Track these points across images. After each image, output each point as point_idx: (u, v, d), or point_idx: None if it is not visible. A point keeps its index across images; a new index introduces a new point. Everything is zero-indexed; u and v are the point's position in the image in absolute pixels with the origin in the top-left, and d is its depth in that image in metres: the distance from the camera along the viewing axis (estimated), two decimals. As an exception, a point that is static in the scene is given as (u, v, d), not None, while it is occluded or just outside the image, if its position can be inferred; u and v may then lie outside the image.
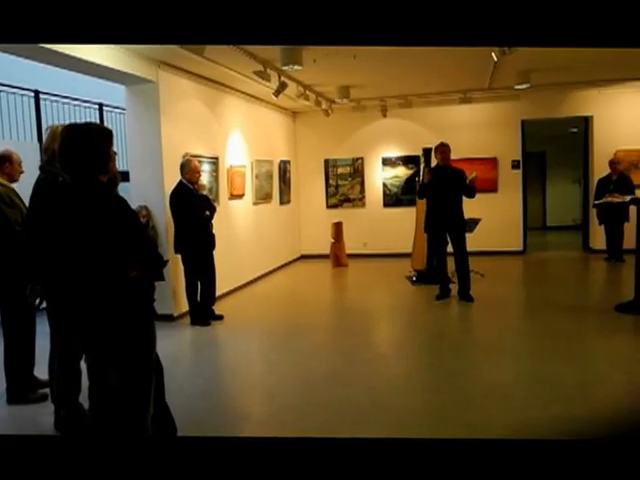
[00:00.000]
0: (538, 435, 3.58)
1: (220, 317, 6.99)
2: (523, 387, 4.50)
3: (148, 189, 6.90)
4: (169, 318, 6.92)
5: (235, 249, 8.68)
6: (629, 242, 6.99)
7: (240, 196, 9.02)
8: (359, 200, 11.87)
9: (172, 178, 6.74)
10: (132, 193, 6.87)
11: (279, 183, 10.85)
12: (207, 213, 6.70)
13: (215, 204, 7.36)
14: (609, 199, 6.91)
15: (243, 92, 9.08)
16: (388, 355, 5.65)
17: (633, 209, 6.82)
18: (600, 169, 10.34)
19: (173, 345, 6.09)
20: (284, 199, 11.14)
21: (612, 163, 9.95)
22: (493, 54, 6.72)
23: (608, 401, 4.13)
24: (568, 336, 5.76)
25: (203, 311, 6.84)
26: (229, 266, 8.24)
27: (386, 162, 11.67)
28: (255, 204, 9.67)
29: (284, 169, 11.12)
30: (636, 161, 10.57)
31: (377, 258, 11.39)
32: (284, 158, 11.18)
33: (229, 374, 5.28)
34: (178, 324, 6.91)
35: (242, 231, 9.10)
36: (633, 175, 10.18)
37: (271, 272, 10.31)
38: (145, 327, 2.82)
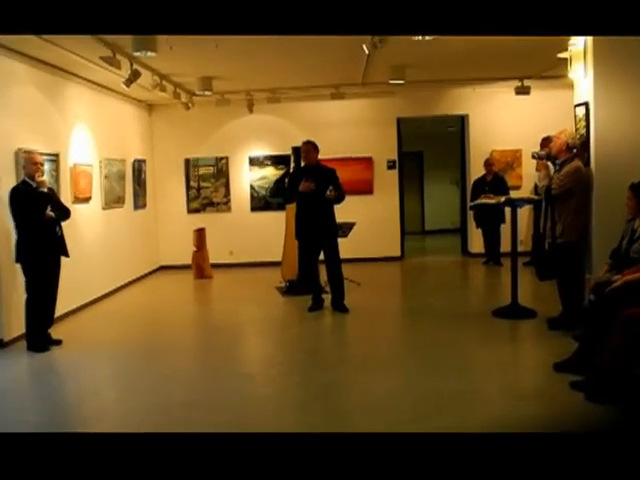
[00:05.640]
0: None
1: (58, 342, 6.57)
2: (397, 401, 4.62)
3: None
4: (-3, 344, 6.47)
5: (80, 261, 8.24)
6: (507, 245, 7.43)
7: (86, 199, 8.62)
8: (224, 204, 11.77)
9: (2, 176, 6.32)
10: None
11: (133, 185, 10.53)
12: (50, 213, 6.28)
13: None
14: (484, 200, 7.31)
15: (90, 80, 8.71)
16: (256, 374, 5.61)
17: (509, 211, 7.25)
18: (477, 170, 10.97)
19: (1, 377, 5.68)
20: (139, 203, 10.82)
21: (487, 164, 10.59)
22: (364, 46, 6.89)
23: (481, 411, 4.34)
24: (445, 345, 6.03)
25: (41, 334, 6.42)
26: (72, 281, 7.79)
27: (254, 162, 11.67)
28: (105, 209, 9.30)
29: (139, 169, 10.81)
30: (511, 161, 11.33)
31: (244, 268, 11.35)
32: (139, 157, 10.86)
33: (71, 407, 4.99)
34: (10, 350, 6.44)
35: (89, 240, 8.69)
36: (508, 176, 10.90)
37: (124, 286, 9.95)
38: None
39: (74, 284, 7.92)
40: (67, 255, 6.61)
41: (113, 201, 9.62)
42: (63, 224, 6.57)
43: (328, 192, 7.25)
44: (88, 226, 8.71)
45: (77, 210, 8.32)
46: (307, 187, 7.35)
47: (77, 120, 8.49)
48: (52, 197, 6.49)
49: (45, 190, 6.37)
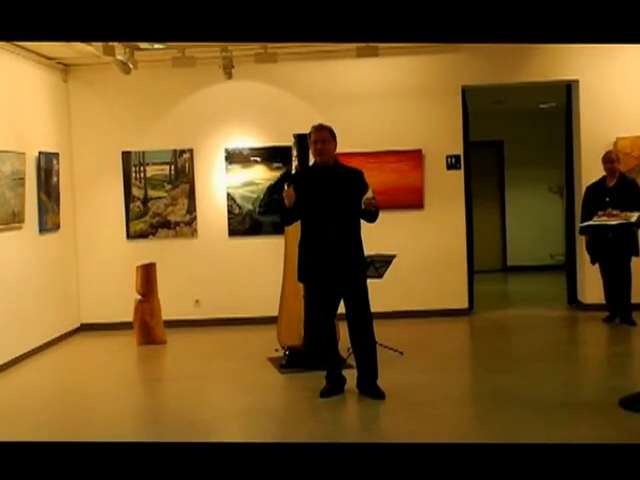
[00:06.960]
0: None
1: None
2: None
3: None
4: None
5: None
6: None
7: (-38, 217, 8.65)
8: (186, 225, 11.80)
9: None
10: None
11: (38, 193, 10.57)
12: None
13: None
14: (604, 219, 7.21)
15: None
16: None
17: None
18: (592, 170, 10.92)
19: None
20: (48, 223, 10.85)
21: (608, 160, 10.45)
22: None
23: None
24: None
25: None
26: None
27: (233, 158, 11.72)
28: (-9, 232, 9.32)
29: (48, 168, 10.85)
30: (648, 157, 11.24)
31: (218, 327, 11.39)
32: (47, 149, 10.91)
33: None
34: None
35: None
36: (642, 179, 10.80)
37: (22, 359, 9.92)
38: None
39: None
40: None
41: (4, 220, 9.60)
42: None
43: (365, 199, 7.19)
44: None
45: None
46: (289, 197, 7.39)
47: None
48: None
49: None
